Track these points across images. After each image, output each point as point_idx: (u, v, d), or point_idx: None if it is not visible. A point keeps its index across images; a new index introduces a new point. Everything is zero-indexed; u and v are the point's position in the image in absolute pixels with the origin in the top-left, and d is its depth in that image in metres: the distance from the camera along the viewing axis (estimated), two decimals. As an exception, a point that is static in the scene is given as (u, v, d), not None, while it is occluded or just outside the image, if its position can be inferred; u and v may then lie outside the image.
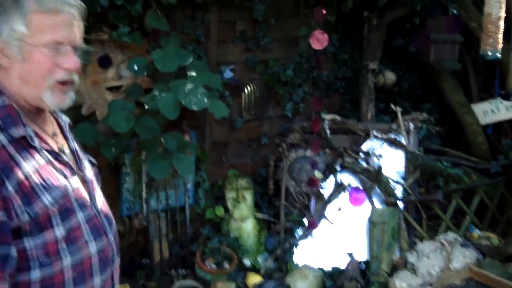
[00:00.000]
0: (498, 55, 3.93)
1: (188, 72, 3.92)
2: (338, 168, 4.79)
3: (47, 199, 1.75)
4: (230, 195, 4.77)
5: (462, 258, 4.54)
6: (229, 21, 4.75)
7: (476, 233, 4.89)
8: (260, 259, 4.71)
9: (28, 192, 1.72)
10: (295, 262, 4.66)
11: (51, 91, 1.83)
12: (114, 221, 2.05)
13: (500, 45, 3.94)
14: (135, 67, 3.83)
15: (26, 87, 1.81)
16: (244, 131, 5.00)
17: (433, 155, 5.08)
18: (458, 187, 4.91)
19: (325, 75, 5.19)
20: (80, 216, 1.87)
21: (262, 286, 4.41)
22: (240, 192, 4.77)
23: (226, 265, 4.51)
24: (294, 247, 4.71)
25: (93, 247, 1.89)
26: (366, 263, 4.60)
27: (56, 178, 1.81)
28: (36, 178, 1.75)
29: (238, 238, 4.67)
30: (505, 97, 4.51)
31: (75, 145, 2.03)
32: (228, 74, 4.71)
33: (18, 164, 1.72)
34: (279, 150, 4.92)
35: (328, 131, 4.81)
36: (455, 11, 5.09)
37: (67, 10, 1.80)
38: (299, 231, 4.75)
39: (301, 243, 4.73)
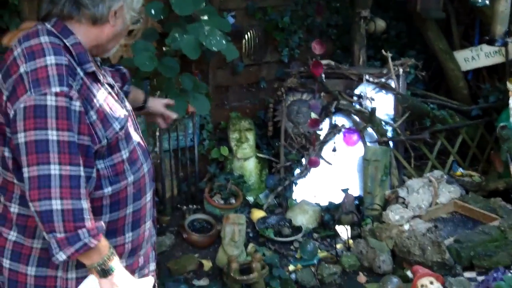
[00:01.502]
0: (487, 2, 4.23)
1: (201, 17, 4.11)
2: (333, 110, 5.06)
3: (116, 125, 2.01)
4: (233, 135, 5.02)
5: (448, 193, 4.85)
6: (231, -30, 4.94)
7: (459, 171, 5.25)
8: (262, 196, 5.00)
9: (103, 119, 1.97)
10: (294, 199, 4.97)
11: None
12: None
13: (488, -8, 4.23)
14: (153, 11, 4.00)
15: (111, 43, 2.11)
16: (244, 76, 5.24)
17: (420, 98, 5.40)
18: (443, 127, 5.25)
19: (318, 22, 5.43)
20: (135, 139, 2.14)
21: (265, 220, 4.70)
22: (243, 133, 5.02)
23: (233, 200, 4.79)
24: (293, 185, 5.01)
25: (146, 167, 2.18)
26: (360, 198, 4.91)
27: (118, 107, 2.07)
28: (106, 107, 2.00)
29: (242, 176, 4.95)
30: (490, 42, 4.83)
31: (111, 80, 2.25)
32: (230, 20, 4.90)
33: (94, 95, 1.97)
34: (277, 93, 5.18)
35: (323, 75, 5.07)
36: (441, -38, 5.35)
37: None
38: (298, 170, 5.05)
39: (299, 181, 5.03)
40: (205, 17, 4.08)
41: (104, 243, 1.92)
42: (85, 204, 1.86)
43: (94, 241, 1.86)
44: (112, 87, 2.14)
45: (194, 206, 4.71)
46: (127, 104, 2.23)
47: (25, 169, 1.82)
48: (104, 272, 1.91)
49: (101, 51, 2.11)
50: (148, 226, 2.25)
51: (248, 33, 5.14)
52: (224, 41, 3.87)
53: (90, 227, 1.85)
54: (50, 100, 1.82)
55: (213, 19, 4.15)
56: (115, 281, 1.93)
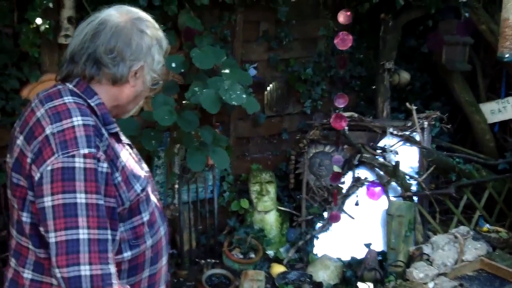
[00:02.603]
0: (514, 57, 4.16)
1: (222, 70, 4.10)
2: (356, 163, 4.99)
3: (138, 187, 1.96)
4: (254, 188, 4.96)
5: (474, 250, 4.73)
6: (254, 22, 4.93)
7: (486, 227, 5.10)
8: (282, 250, 4.91)
9: (126, 181, 1.92)
10: (316, 253, 4.87)
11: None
12: None
13: (517, 48, 4.17)
14: (173, 65, 4.00)
15: (131, 104, 2.07)
16: (266, 127, 5.20)
17: (445, 152, 5.30)
18: (469, 182, 5.13)
19: (341, 74, 5.40)
20: (153, 201, 2.07)
21: (285, 275, 4.60)
22: (263, 185, 4.96)
23: (252, 255, 4.70)
24: (315, 239, 4.92)
25: (162, 230, 2.10)
26: (383, 254, 4.79)
27: (139, 169, 2.00)
28: (128, 169, 1.94)
29: (262, 230, 4.87)
30: (517, 97, 4.74)
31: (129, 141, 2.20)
32: (252, 72, 4.89)
33: (118, 156, 1.92)
34: (299, 145, 5.13)
35: (346, 127, 5.01)
36: (467, 14, 5.30)
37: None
38: (319, 223, 4.95)
39: (321, 235, 4.93)
40: (226, 70, 4.06)
41: None
42: (113, 269, 1.79)
43: None
44: (131, 147, 2.10)
45: (213, 260, 4.62)
46: (144, 165, 2.18)
47: (51, 234, 1.75)
48: None
49: (121, 112, 2.08)
50: None
51: (270, 85, 5.11)
52: (244, 95, 3.85)
53: None
54: (79, 162, 1.76)
55: (234, 72, 4.15)
56: None
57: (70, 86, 1.95)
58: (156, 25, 2.06)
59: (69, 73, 1.98)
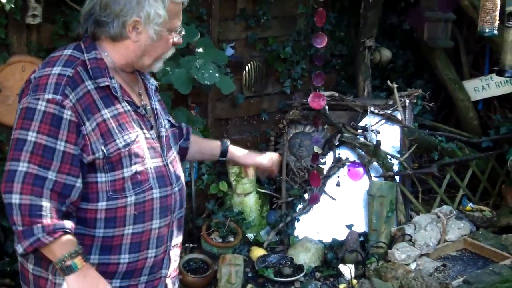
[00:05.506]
0: (495, 31, 4.06)
1: (196, 49, 3.99)
2: (336, 143, 4.91)
3: (120, 142, 2.07)
4: (233, 170, 4.86)
5: (457, 230, 4.69)
6: (230, -1, 4.83)
7: (469, 206, 5.05)
8: (262, 233, 4.83)
9: (105, 133, 2.05)
10: (296, 235, 4.79)
11: (160, 62, 2.23)
12: (182, 177, 2.31)
13: (497, 22, 4.06)
14: (145, 43, 3.88)
15: (145, 58, 2.16)
16: (244, 108, 5.11)
17: (428, 130, 5.23)
18: (452, 160, 5.07)
19: (322, 52, 5.29)
20: (149, 162, 2.15)
21: (265, 259, 4.53)
22: (242, 167, 4.86)
23: (231, 238, 4.62)
24: (295, 221, 4.84)
25: (156, 192, 2.17)
26: (365, 235, 4.72)
27: (132, 126, 2.12)
28: (113, 123, 2.07)
29: (242, 213, 4.78)
30: (499, 73, 4.64)
31: (157, 105, 2.33)
32: (229, 51, 4.79)
33: (99, 108, 2.05)
34: (279, 126, 5.04)
35: (326, 107, 4.91)
36: (449, -10, 5.21)
37: (185, 0, 2.18)
38: (300, 205, 4.88)
39: (302, 217, 4.85)
40: (200, 49, 3.96)
41: (66, 241, 1.97)
42: (47, 203, 1.95)
43: (49, 238, 1.93)
44: (137, 106, 2.17)
45: (191, 245, 4.54)
46: (163, 129, 2.27)
47: (6, 163, 1.99)
48: (66, 269, 1.96)
49: (139, 67, 2.20)
50: (152, 254, 2.20)
51: (249, 64, 5.01)
52: (217, 74, 3.75)
53: (46, 224, 1.93)
54: (40, 105, 1.97)
55: (209, 51, 4.05)
56: (78, 279, 1.97)
57: (81, 42, 2.15)
58: None
59: (81, 32, 2.18)
